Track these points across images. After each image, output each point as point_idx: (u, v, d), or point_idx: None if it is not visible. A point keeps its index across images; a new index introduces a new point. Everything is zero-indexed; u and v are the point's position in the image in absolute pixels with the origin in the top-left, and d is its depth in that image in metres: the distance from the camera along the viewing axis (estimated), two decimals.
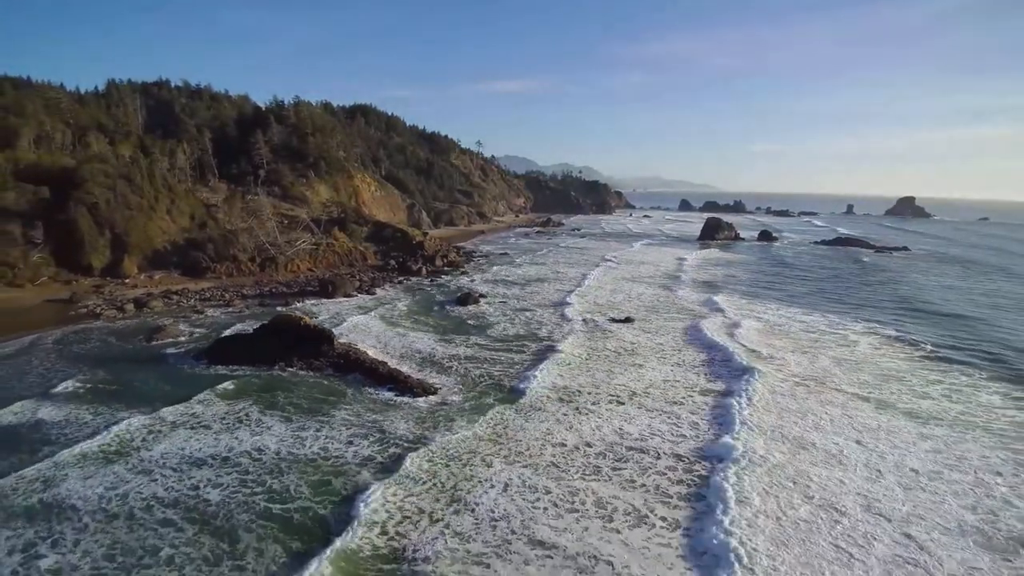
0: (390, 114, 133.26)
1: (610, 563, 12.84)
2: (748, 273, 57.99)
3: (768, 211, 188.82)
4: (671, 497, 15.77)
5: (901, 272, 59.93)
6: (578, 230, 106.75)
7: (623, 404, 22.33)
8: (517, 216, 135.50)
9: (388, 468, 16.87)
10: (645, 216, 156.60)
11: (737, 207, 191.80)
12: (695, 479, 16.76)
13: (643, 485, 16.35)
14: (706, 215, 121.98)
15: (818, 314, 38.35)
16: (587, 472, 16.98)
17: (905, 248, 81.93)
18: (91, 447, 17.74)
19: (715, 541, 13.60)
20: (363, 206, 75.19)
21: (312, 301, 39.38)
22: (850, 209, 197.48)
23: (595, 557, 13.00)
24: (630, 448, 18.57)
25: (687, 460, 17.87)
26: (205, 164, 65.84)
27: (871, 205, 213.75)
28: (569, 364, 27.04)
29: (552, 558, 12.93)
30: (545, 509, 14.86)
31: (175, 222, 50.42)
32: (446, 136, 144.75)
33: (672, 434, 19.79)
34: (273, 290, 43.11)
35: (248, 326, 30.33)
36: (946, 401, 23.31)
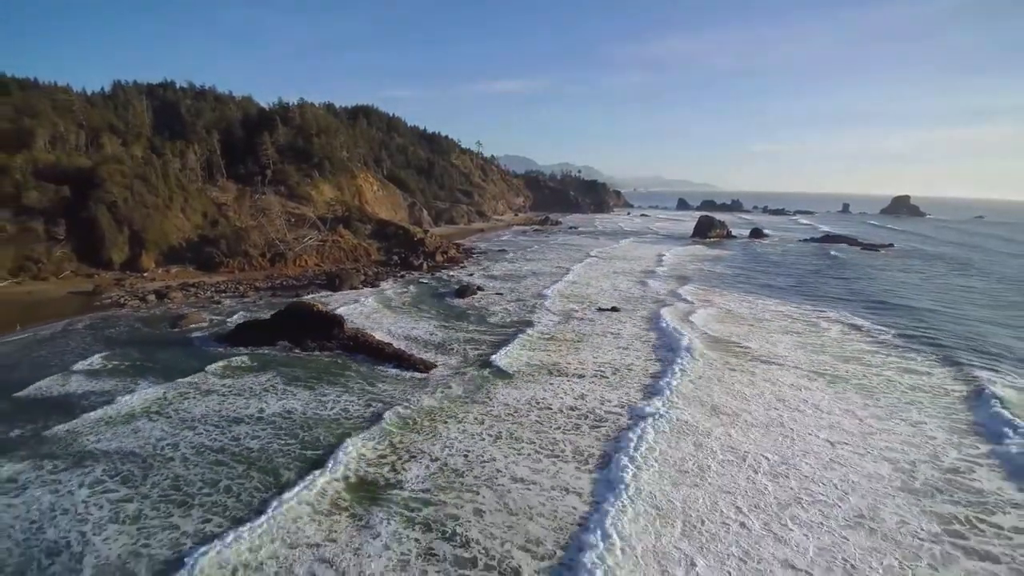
0: (391, 115, 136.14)
1: (579, 494, 15.62)
2: (726, 268, 60.14)
3: (765, 210, 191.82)
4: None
5: (880, 267, 62.24)
6: (575, 228, 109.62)
7: (591, 377, 25.03)
8: (516, 215, 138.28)
9: (396, 423, 19.62)
10: (642, 215, 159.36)
11: (735, 206, 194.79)
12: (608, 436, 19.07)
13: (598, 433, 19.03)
14: (700, 214, 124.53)
15: (790, 305, 40.65)
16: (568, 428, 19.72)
17: (890, 245, 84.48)
18: (136, 408, 20.54)
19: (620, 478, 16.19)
20: (366, 205, 77.92)
21: (321, 293, 42.06)
22: (846, 208, 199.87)
23: (566, 489, 15.79)
24: (589, 409, 21.30)
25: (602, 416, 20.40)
26: (214, 164, 68.51)
27: (868, 204, 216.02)
28: (558, 344, 29.84)
29: (530, 490, 15.73)
30: (529, 455, 17.66)
31: (189, 220, 53.19)
32: (446, 136, 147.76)
33: (613, 400, 22.35)
34: (283, 283, 45.90)
35: (264, 313, 33.04)
36: (898, 379, 25.18)
